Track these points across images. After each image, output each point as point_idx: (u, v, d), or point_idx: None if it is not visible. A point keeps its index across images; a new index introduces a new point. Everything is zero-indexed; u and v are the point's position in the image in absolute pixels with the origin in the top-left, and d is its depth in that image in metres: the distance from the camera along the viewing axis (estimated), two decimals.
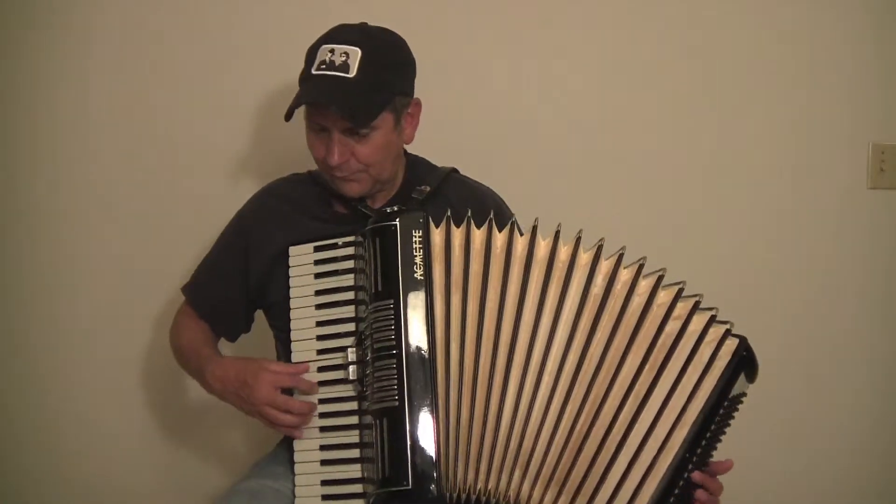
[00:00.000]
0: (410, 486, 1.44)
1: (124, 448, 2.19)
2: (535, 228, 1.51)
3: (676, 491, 1.43)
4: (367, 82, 1.60)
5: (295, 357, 1.60)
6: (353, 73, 1.59)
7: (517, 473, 1.47)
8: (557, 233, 1.51)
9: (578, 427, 1.46)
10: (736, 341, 1.46)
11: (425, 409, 1.46)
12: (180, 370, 1.80)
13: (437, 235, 1.53)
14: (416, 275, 1.50)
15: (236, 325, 1.81)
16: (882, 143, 2.27)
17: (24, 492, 2.18)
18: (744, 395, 1.51)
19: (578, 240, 1.51)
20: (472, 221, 1.53)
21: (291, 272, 1.62)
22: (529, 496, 1.47)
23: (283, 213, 1.74)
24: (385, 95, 1.63)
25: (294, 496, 1.57)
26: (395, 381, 1.46)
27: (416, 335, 1.48)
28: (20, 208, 2.17)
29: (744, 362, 1.47)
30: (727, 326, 1.46)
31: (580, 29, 2.23)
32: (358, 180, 1.67)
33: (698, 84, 2.25)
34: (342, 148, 1.62)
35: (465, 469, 1.47)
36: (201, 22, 2.16)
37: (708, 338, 1.45)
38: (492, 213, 1.55)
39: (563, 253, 1.50)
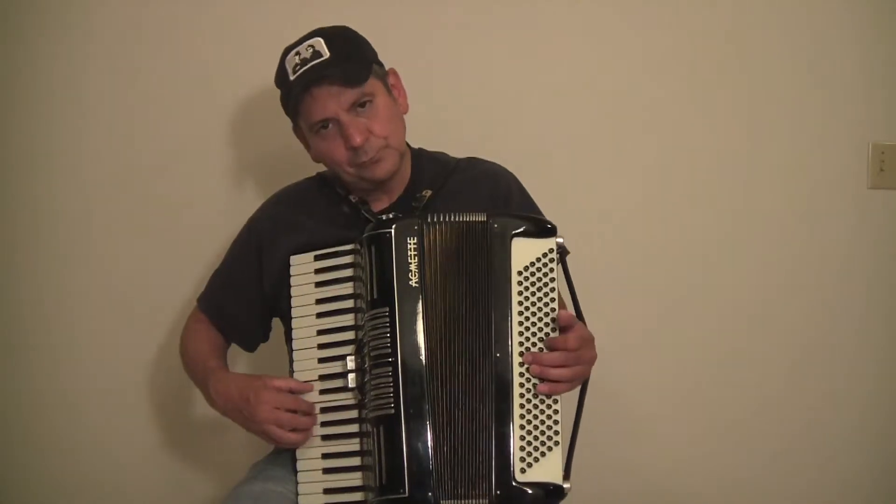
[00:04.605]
0: (407, 494, 1.45)
1: (126, 452, 2.20)
2: (436, 223, 1.55)
3: (522, 389, 1.49)
4: (343, 55, 1.64)
5: (296, 366, 1.61)
6: (327, 55, 1.63)
7: None
8: (456, 223, 1.55)
9: (470, 402, 1.50)
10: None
11: (421, 415, 1.47)
12: (183, 373, 1.81)
13: (428, 241, 1.54)
14: (410, 282, 1.51)
15: (252, 335, 1.82)
16: (882, 143, 2.27)
17: (24, 494, 2.19)
18: (550, 251, 1.53)
19: (462, 224, 1.55)
20: (447, 222, 1.56)
21: (293, 281, 1.63)
22: None
23: (292, 219, 1.75)
24: (364, 62, 1.67)
25: (296, 499, 1.57)
26: (391, 389, 1.48)
27: (411, 342, 1.49)
28: (24, 211, 2.18)
29: (501, 233, 1.52)
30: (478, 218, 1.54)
31: (581, 29, 2.23)
32: (384, 158, 1.67)
33: (699, 84, 2.25)
34: (358, 126, 1.63)
35: (462, 473, 1.48)
36: (202, 21, 2.17)
37: (482, 242, 1.53)
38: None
39: (459, 240, 1.54)
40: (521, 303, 1.51)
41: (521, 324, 1.51)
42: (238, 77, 2.15)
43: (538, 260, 1.52)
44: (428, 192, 1.72)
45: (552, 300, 1.52)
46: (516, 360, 1.49)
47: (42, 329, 2.19)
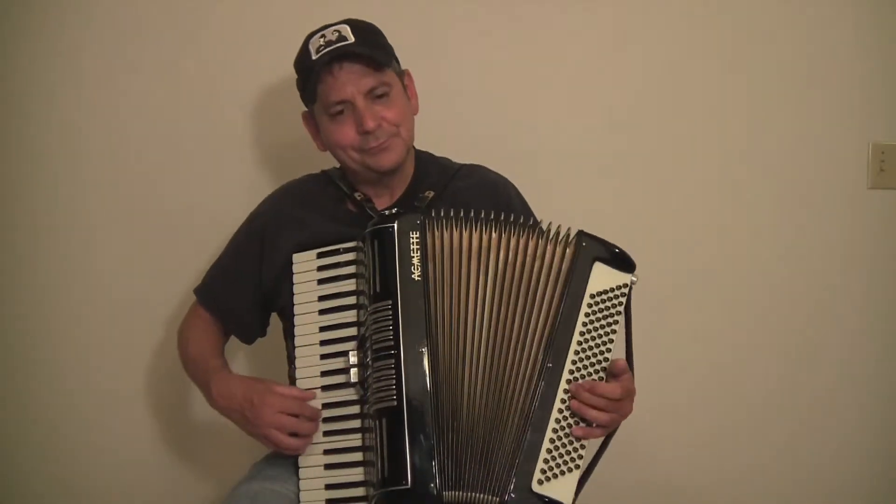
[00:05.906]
0: (409, 486, 1.44)
1: (126, 451, 2.19)
2: (460, 219, 1.56)
3: (562, 405, 1.49)
4: (368, 42, 1.68)
5: (299, 363, 1.61)
6: (352, 39, 1.67)
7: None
8: (472, 221, 1.56)
9: (494, 400, 1.50)
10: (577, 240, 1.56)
11: (423, 408, 1.47)
12: (183, 374, 1.81)
13: (431, 237, 1.55)
14: (413, 276, 1.52)
15: (250, 328, 1.82)
16: (882, 143, 2.28)
17: (24, 494, 2.18)
18: (624, 286, 1.54)
19: (491, 223, 1.56)
20: (457, 219, 1.57)
21: (295, 279, 1.63)
22: None
23: (296, 215, 1.75)
24: (386, 52, 1.72)
25: (297, 498, 1.57)
26: (394, 381, 1.48)
27: (414, 335, 1.50)
28: (24, 208, 2.17)
29: (587, 254, 1.54)
30: (565, 231, 1.55)
31: (582, 30, 2.24)
32: (392, 147, 1.70)
33: (698, 84, 2.26)
34: (372, 112, 1.66)
35: (471, 468, 1.48)
36: (202, 20, 2.17)
37: (557, 255, 1.55)
38: (472, 213, 1.57)
39: (485, 240, 1.56)
40: (585, 324, 1.52)
41: (579, 343, 1.52)
42: (238, 75, 2.16)
43: (611, 290, 1.55)
44: (430, 193, 1.74)
45: (613, 332, 1.54)
46: (565, 376, 1.50)
47: (42, 330, 2.19)
